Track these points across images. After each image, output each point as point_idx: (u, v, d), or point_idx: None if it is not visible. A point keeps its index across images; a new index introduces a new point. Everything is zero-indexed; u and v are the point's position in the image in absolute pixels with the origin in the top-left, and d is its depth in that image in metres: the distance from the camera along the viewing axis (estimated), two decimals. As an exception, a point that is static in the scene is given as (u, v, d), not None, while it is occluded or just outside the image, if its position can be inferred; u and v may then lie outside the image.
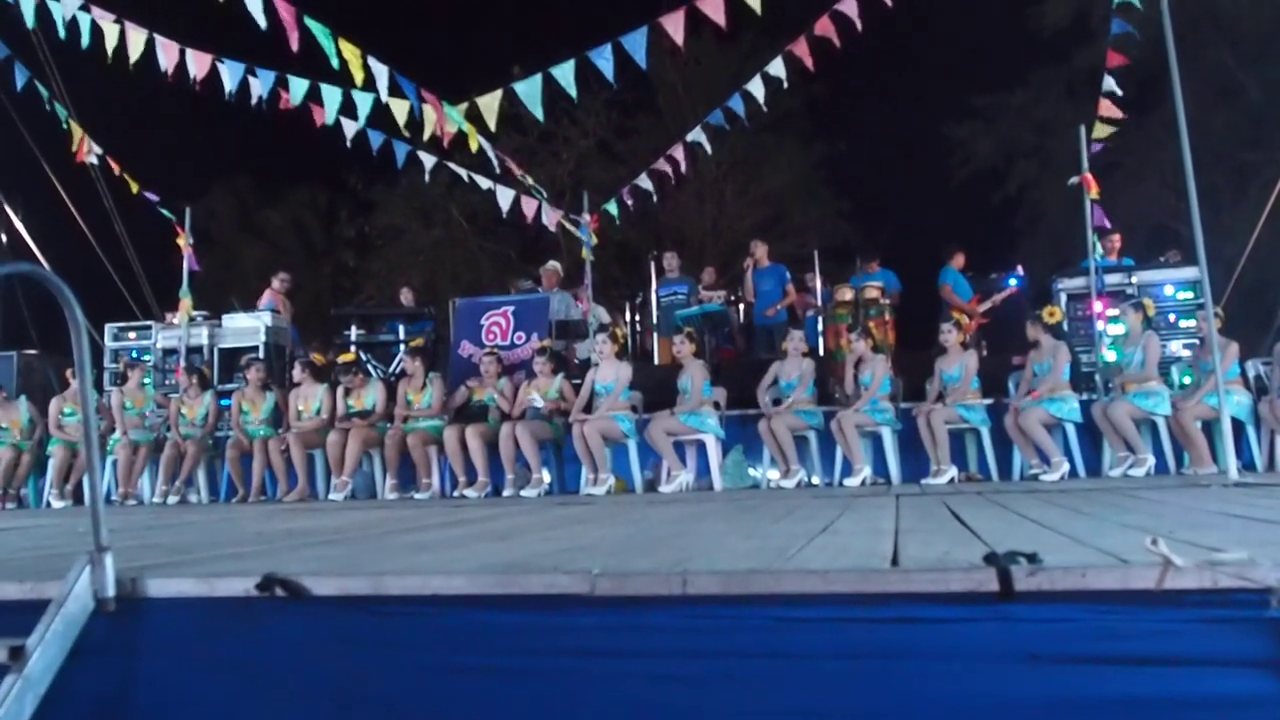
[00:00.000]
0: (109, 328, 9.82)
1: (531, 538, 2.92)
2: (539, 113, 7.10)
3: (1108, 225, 8.42)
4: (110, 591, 1.83)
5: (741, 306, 10.91)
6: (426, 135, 7.47)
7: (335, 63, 6.60)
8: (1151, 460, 6.72)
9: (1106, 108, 7.73)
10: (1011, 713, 1.47)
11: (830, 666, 1.55)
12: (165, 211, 9.46)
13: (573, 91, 6.97)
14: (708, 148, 8.84)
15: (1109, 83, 7.68)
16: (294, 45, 6.54)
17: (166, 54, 7.09)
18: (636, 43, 6.77)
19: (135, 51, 7.10)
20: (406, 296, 10.99)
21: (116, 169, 9.25)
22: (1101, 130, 7.73)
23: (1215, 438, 6.38)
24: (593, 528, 3.30)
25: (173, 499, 8.11)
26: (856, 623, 1.58)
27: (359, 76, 6.75)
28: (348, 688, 1.73)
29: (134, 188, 9.27)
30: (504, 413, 7.68)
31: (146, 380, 8.87)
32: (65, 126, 8.99)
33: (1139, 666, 1.45)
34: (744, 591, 1.66)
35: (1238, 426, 6.58)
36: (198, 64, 7.21)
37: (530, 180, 9.24)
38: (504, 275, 18.31)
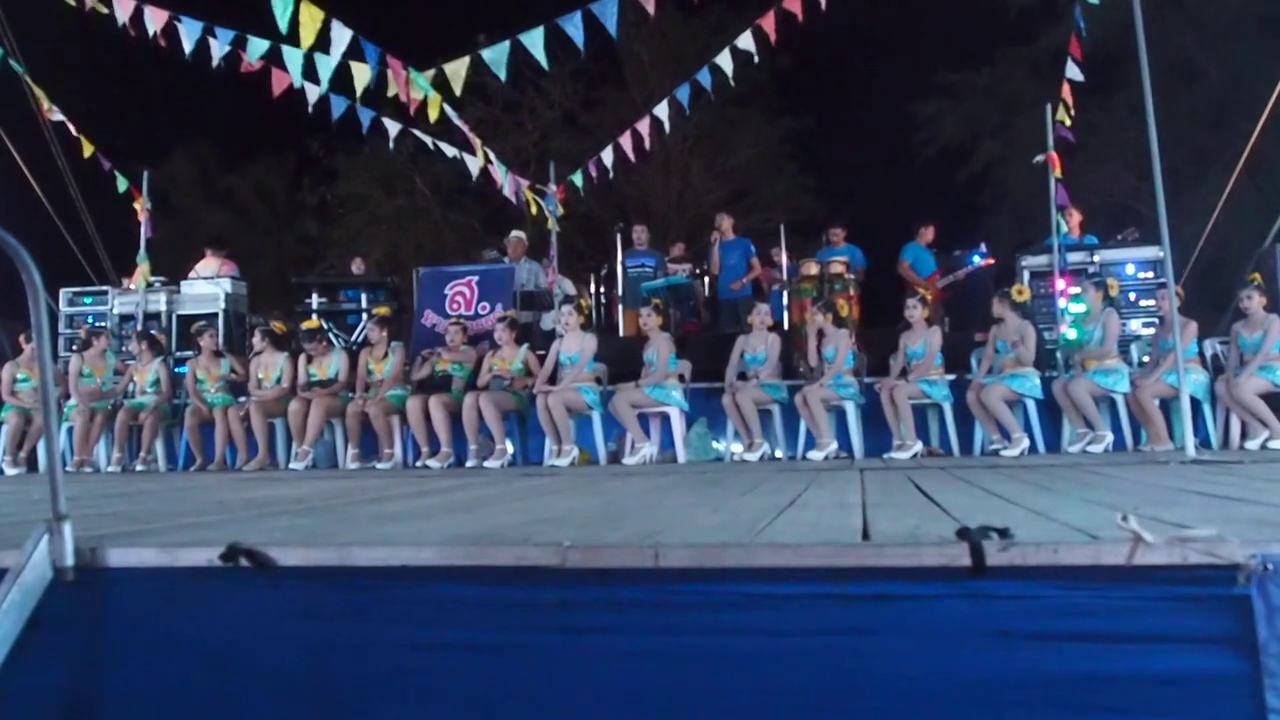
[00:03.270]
0: (64, 293, 9.65)
1: (499, 509, 2.89)
2: (503, 74, 6.99)
3: (1067, 204, 8.49)
4: (69, 561, 1.79)
5: (707, 280, 10.90)
6: (390, 95, 7.31)
7: (283, 25, 6.39)
8: (1110, 437, 6.83)
9: (1069, 92, 7.78)
10: (982, 689, 1.48)
11: (802, 643, 1.55)
12: (119, 175, 9.25)
13: (542, 59, 6.86)
14: (667, 125, 8.75)
15: (1072, 70, 7.71)
16: None
17: (121, 7, 6.88)
18: (607, 10, 6.68)
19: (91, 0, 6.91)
20: (358, 266, 10.86)
21: (73, 129, 9.01)
22: (1062, 114, 7.77)
23: (1173, 415, 6.48)
24: (560, 499, 3.28)
25: (140, 467, 7.98)
26: (828, 599, 1.58)
27: (307, 41, 6.55)
28: (313, 659, 1.70)
29: (87, 150, 9.04)
30: (467, 383, 7.63)
31: (108, 350, 8.71)
32: (25, 84, 8.73)
33: (1108, 643, 1.47)
34: (717, 565, 1.65)
35: (1195, 405, 6.67)
36: (155, 20, 7.01)
37: (491, 155, 9.08)
38: (468, 245, 18.15)
